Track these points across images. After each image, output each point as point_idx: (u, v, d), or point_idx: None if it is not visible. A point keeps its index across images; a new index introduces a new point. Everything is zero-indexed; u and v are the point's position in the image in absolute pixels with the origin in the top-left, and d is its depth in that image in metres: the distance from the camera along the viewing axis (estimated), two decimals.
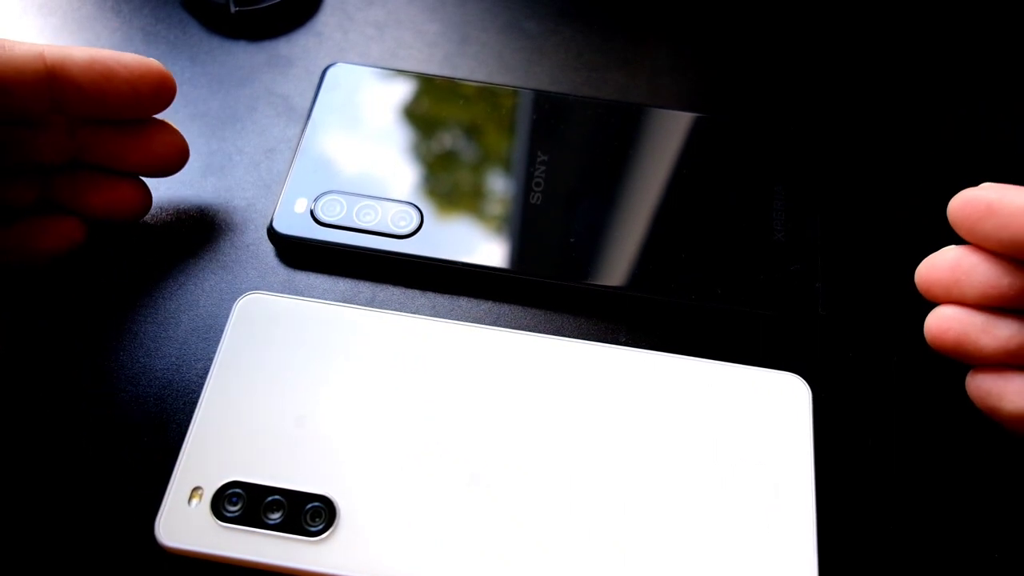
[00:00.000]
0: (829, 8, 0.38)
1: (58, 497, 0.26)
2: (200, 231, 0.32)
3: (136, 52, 0.35)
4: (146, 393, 0.28)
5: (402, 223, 0.31)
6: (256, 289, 0.30)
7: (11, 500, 0.26)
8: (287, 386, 0.27)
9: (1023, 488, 0.27)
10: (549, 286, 0.30)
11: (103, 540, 0.25)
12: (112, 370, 0.29)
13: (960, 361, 0.26)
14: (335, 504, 0.25)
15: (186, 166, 0.33)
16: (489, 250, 0.30)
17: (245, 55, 0.36)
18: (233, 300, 0.30)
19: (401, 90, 0.34)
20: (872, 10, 0.38)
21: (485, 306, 0.30)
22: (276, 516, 0.25)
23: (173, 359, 0.29)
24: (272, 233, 0.31)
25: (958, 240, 0.26)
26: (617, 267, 0.30)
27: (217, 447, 0.26)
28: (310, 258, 0.31)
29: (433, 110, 0.34)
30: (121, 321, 0.29)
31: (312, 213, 0.31)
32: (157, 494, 0.25)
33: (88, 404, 0.28)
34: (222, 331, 0.28)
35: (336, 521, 0.25)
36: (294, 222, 0.31)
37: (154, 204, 0.32)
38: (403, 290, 0.31)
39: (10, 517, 0.26)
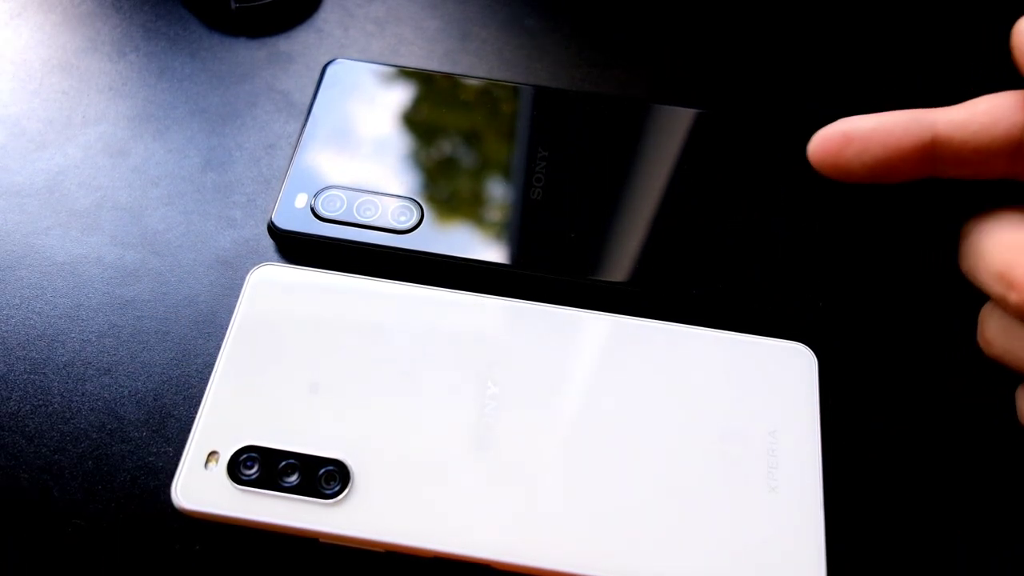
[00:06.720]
0: (831, 4, 0.38)
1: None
2: (200, 227, 0.32)
3: (136, 48, 0.36)
4: (144, 388, 0.28)
5: (402, 218, 0.31)
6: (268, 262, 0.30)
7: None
8: (301, 353, 0.28)
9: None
10: (549, 281, 0.30)
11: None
12: (113, 364, 0.29)
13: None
14: (349, 468, 0.26)
15: (186, 161, 0.33)
16: (490, 246, 0.31)
17: (245, 51, 0.36)
18: (234, 297, 0.30)
19: (401, 86, 0.34)
20: (875, 8, 0.38)
21: None
22: (291, 479, 0.26)
23: (174, 354, 0.29)
24: (272, 229, 0.31)
25: (955, 240, 0.26)
26: (618, 262, 0.30)
27: (232, 413, 0.27)
28: (310, 254, 0.31)
29: (433, 107, 0.34)
30: (124, 317, 0.29)
31: (312, 208, 0.31)
32: (174, 459, 0.26)
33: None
34: (224, 327, 0.28)
35: (350, 484, 0.26)
36: (294, 217, 0.31)
37: (153, 201, 0.32)
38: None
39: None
